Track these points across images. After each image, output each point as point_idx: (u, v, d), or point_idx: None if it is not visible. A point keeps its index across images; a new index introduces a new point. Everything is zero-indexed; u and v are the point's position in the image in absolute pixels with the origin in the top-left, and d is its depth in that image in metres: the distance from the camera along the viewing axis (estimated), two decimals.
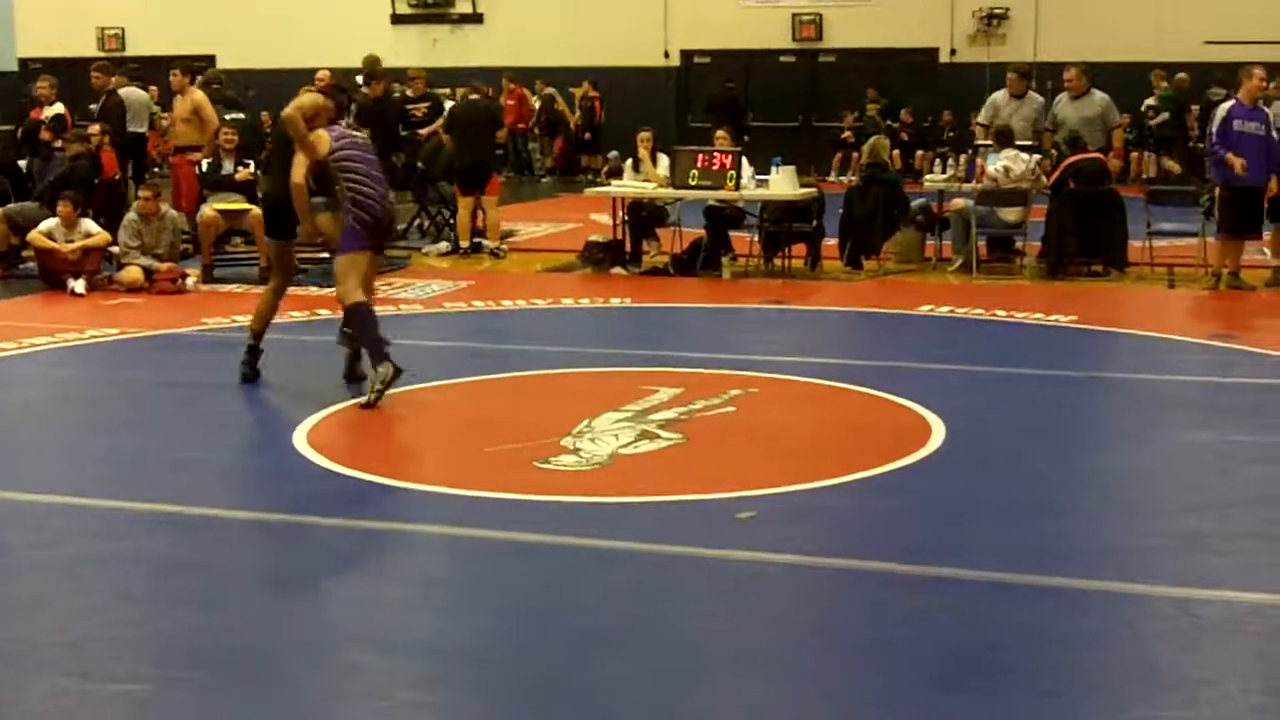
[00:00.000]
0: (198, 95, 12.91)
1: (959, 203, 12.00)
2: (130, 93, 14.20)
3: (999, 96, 12.70)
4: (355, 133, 7.55)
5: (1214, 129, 10.86)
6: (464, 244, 12.81)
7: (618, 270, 11.85)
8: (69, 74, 16.92)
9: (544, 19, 22.76)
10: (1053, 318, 9.59)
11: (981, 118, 12.91)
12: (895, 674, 3.97)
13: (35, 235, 10.76)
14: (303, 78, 14.98)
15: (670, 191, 12.03)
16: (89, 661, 4.04)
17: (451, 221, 13.39)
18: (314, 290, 10.41)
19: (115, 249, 11.00)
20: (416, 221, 13.94)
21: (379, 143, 12.95)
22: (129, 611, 4.50)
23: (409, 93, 14.42)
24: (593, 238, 12.42)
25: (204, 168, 11.99)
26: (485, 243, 12.96)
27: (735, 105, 20.57)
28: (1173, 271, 11.26)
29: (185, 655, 4.10)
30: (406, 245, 12.95)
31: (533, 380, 7.81)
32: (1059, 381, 7.75)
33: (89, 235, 10.79)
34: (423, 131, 13.76)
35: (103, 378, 8.07)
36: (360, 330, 7.14)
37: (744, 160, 11.78)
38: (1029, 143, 12.12)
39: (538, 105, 22.21)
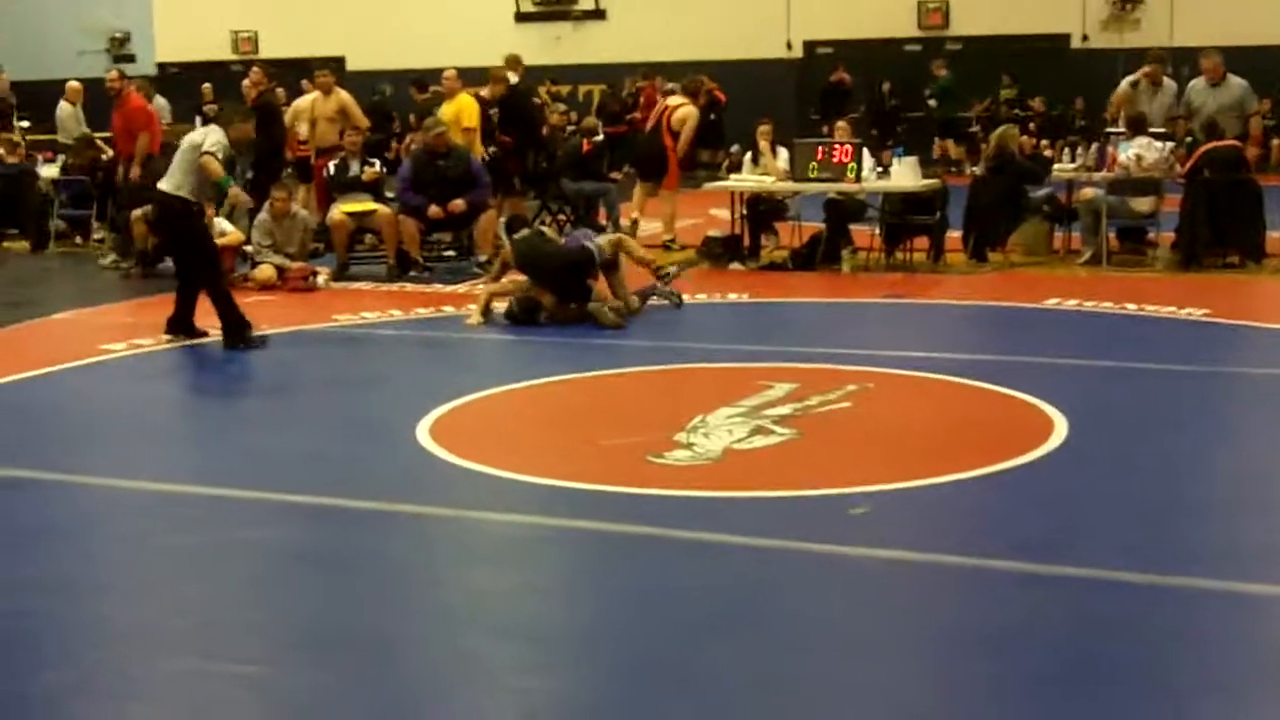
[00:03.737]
0: (343, 96, 13.16)
1: (1088, 192, 11.73)
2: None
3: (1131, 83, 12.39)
4: None
5: None
6: None
7: (736, 265, 11.83)
8: (205, 77, 17.43)
9: (665, 13, 22.82)
10: (1185, 311, 9.33)
11: (1113, 112, 12.62)
12: (1004, 668, 3.92)
13: None
14: (430, 78, 15.27)
15: (789, 184, 11.99)
16: (213, 643, 4.19)
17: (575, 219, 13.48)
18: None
19: (249, 248, 11.30)
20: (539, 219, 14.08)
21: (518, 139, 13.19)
22: (256, 597, 4.65)
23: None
24: (711, 233, 12.42)
25: (331, 170, 12.22)
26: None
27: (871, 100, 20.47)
28: None
29: (306, 640, 4.23)
30: None
31: (648, 375, 7.85)
32: (1189, 377, 7.56)
33: (223, 234, 11.10)
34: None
35: (237, 373, 8.31)
36: None
37: (864, 152, 11.69)
38: (1163, 130, 11.81)
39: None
